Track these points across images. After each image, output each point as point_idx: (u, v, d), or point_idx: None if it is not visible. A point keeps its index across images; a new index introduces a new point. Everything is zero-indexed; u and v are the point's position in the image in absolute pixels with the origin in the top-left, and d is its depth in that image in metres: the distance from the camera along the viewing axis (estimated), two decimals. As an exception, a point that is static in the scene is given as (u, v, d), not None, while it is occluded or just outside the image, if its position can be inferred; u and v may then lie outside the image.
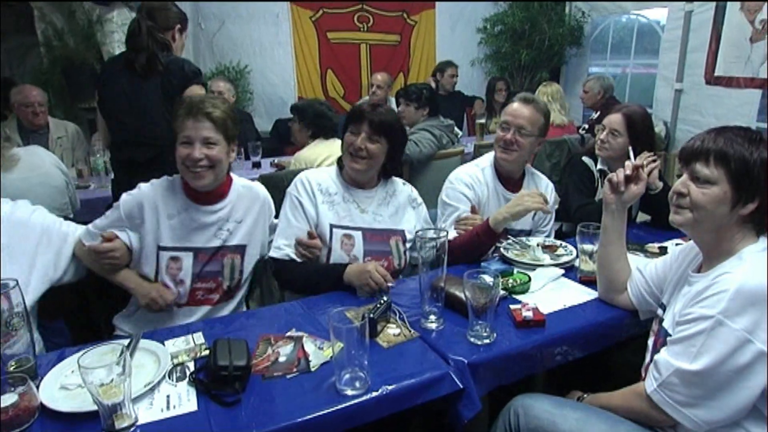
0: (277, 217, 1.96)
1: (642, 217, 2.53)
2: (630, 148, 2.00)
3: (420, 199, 2.11)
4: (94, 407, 1.10)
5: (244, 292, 1.92)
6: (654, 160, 2.25)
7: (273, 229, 1.96)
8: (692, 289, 1.26)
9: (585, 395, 1.43)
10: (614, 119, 2.34)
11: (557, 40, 6.09)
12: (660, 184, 2.27)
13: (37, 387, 1.22)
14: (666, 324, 1.34)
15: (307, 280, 1.82)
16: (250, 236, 1.85)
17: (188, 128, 1.67)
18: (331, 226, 1.87)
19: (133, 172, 2.18)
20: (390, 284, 1.69)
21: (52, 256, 1.70)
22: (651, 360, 1.33)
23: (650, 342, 1.43)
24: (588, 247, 1.79)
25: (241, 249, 1.83)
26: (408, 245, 1.99)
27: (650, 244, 2.10)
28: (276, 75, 5.83)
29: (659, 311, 1.43)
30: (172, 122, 1.73)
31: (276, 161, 3.73)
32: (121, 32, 4.77)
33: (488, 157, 2.25)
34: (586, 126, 4.49)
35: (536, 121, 2.10)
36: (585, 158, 2.52)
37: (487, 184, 2.18)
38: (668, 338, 1.26)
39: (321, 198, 1.89)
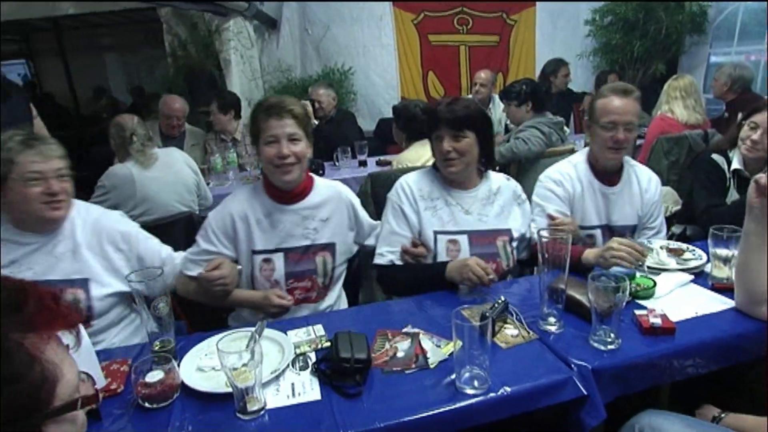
0: (378, 217, 1.98)
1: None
2: None
3: (524, 196, 2.04)
4: (228, 389, 1.19)
5: (340, 287, 1.96)
6: None
7: (363, 227, 1.98)
8: None
9: (723, 414, 1.31)
10: None
11: (675, 28, 5.64)
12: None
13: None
14: None
15: (410, 282, 1.82)
16: (337, 234, 1.88)
17: (273, 127, 1.71)
18: (435, 233, 1.87)
19: None
20: (491, 277, 1.65)
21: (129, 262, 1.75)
22: None
23: None
24: (722, 251, 1.64)
25: (330, 247, 1.87)
26: (514, 244, 1.94)
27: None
28: (378, 76, 5.96)
29: None
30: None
31: (381, 159, 3.81)
32: (236, 40, 5.12)
33: (582, 153, 2.14)
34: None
35: (638, 111, 1.96)
36: (714, 155, 2.32)
37: (581, 179, 2.07)
38: None
39: (423, 204, 1.89)
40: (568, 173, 2.08)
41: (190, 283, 1.79)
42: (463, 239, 1.87)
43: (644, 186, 2.11)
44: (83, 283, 1.63)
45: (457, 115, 1.81)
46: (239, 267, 1.80)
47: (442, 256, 1.85)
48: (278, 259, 1.80)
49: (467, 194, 1.93)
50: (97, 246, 1.71)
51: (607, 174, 2.08)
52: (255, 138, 1.78)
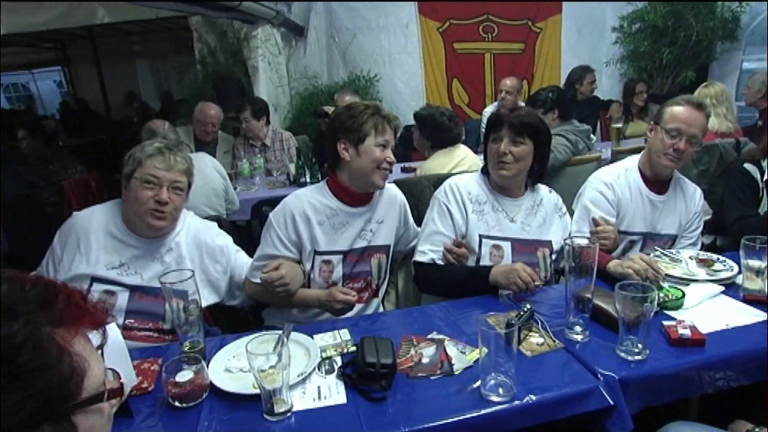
0: (419, 220, 2.00)
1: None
2: None
3: (565, 208, 2.03)
4: (256, 390, 1.21)
5: (385, 288, 1.99)
6: None
7: (409, 231, 2.00)
8: None
9: (757, 429, 1.27)
10: None
11: (706, 34, 5.54)
12: None
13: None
14: None
15: (450, 282, 1.82)
16: (391, 236, 1.91)
17: (386, 133, 1.76)
18: (481, 237, 1.86)
19: None
20: (537, 283, 1.65)
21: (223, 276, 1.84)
22: None
23: None
24: (754, 263, 1.61)
25: (386, 249, 1.89)
26: (554, 256, 1.93)
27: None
28: (404, 83, 5.99)
29: None
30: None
31: (406, 166, 3.83)
32: (264, 47, 5.20)
33: (634, 159, 2.13)
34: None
35: (704, 128, 1.95)
36: (747, 165, 2.27)
37: (630, 184, 2.06)
38: None
39: (471, 207, 1.89)
40: (619, 176, 2.08)
41: (255, 286, 1.81)
42: (507, 246, 1.87)
43: (689, 197, 2.11)
44: (184, 295, 1.58)
45: (522, 121, 1.82)
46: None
47: (484, 261, 1.85)
48: (337, 261, 1.83)
49: (513, 202, 1.93)
50: (197, 259, 1.78)
51: (657, 182, 2.07)
52: (361, 137, 1.74)
